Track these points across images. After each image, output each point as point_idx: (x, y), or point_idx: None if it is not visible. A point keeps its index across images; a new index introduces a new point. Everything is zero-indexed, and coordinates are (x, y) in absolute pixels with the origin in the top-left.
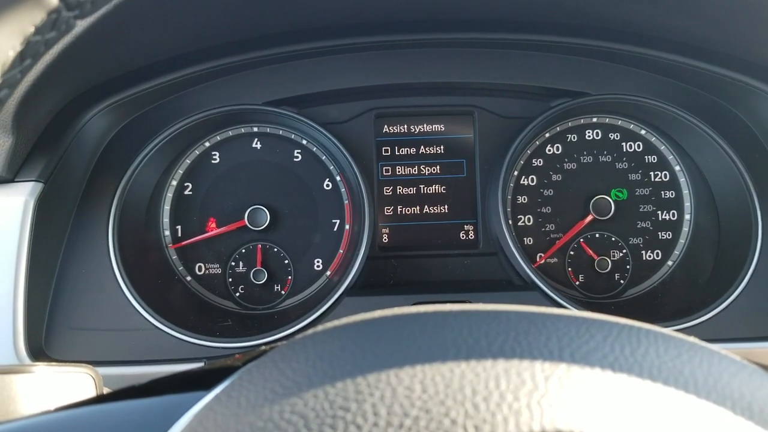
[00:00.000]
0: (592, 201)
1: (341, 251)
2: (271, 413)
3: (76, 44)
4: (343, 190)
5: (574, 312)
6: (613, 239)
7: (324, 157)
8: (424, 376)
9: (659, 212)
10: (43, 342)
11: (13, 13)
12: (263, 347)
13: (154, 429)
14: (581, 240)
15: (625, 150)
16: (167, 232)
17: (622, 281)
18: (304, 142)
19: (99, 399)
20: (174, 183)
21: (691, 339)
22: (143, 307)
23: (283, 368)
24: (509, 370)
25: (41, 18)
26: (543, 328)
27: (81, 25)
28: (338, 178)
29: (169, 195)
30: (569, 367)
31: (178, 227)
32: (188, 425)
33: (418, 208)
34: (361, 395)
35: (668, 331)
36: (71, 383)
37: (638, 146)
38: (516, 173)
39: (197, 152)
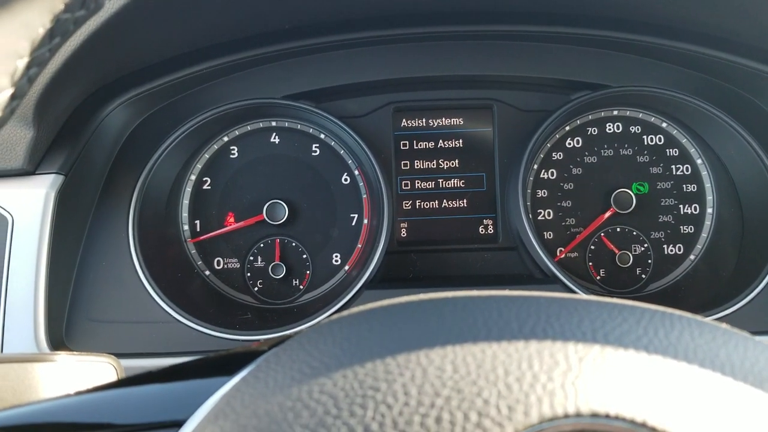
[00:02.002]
0: (613, 195)
1: (360, 246)
2: (300, 393)
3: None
4: (361, 184)
5: (605, 299)
6: (634, 233)
7: (342, 151)
8: (455, 356)
9: (681, 206)
10: (64, 334)
11: None
12: (287, 332)
13: (179, 412)
14: (602, 234)
15: (646, 143)
16: (186, 227)
17: (643, 276)
18: (323, 136)
19: (120, 383)
20: (193, 177)
21: (724, 325)
22: (163, 300)
23: (311, 350)
24: (542, 351)
25: None
26: (574, 311)
27: (108, 7)
28: (356, 172)
29: (188, 189)
30: (603, 348)
31: (197, 222)
32: (216, 406)
33: (436, 202)
34: (391, 375)
35: (700, 317)
36: (93, 372)
37: (659, 139)
38: (536, 167)
39: (216, 147)
